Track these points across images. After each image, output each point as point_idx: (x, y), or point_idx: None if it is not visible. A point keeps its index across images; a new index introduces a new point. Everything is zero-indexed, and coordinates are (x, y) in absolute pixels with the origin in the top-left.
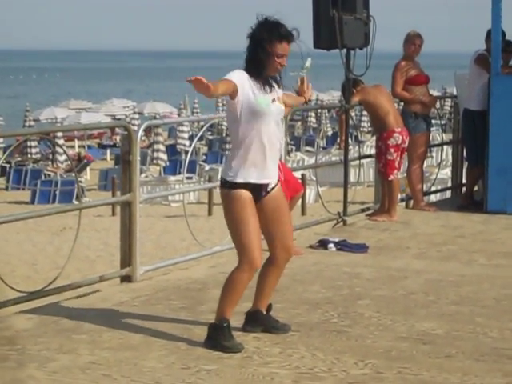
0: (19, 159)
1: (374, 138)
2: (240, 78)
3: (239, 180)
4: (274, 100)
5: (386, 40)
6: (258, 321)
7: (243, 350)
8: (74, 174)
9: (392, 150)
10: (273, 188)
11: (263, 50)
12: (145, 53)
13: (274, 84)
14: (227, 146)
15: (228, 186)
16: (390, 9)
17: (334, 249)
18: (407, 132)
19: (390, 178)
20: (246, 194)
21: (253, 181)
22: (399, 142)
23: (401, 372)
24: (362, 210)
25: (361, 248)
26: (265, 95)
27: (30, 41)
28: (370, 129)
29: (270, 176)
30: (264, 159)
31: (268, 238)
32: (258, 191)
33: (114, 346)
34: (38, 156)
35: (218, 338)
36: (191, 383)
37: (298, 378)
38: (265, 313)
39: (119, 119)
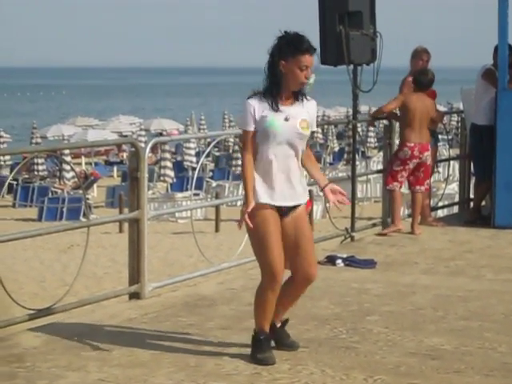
0: (26, 176)
1: (381, 153)
2: (249, 118)
3: (261, 200)
4: (286, 119)
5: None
6: (277, 333)
7: (252, 367)
8: (81, 191)
9: (399, 161)
10: (291, 210)
11: (285, 64)
12: (150, 70)
13: (299, 102)
14: (234, 163)
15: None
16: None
17: (342, 264)
18: (424, 148)
19: (388, 187)
20: (266, 210)
21: (265, 201)
22: (407, 156)
23: None
24: (373, 225)
25: (369, 264)
26: (278, 116)
27: (36, 58)
28: (376, 144)
29: (283, 199)
30: (273, 181)
31: (289, 261)
32: (277, 211)
33: (123, 363)
34: (45, 173)
35: (254, 349)
36: None
37: None
38: (279, 325)
39: (126, 136)
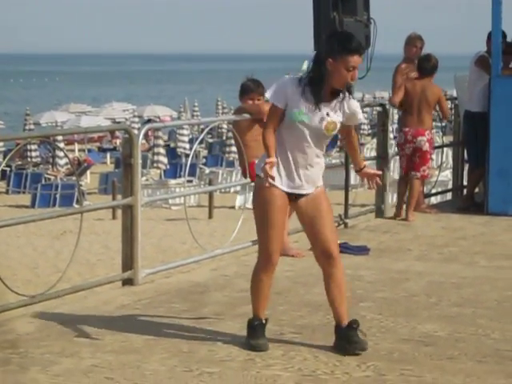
0: (19, 163)
1: (375, 140)
2: (281, 94)
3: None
4: (322, 119)
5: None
6: (337, 334)
7: (245, 353)
8: (74, 178)
9: (398, 147)
10: (305, 194)
11: (333, 62)
12: (144, 56)
13: (336, 101)
14: (227, 149)
15: (259, 179)
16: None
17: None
18: (418, 132)
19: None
20: (275, 191)
21: (278, 185)
22: (402, 141)
23: (403, 374)
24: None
25: (362, 250)
26: (310, 110)
27: (29, 45)
28: (370, 131)
29: (294, 187)
30: (291, 170)
31: (312, 244)
32: (288, 195)
33: (116, 349)
34: (39, 160)
35: (248, 335)
36: None
37: (300, 381)
38: (344, 326)
39: (119, 122)
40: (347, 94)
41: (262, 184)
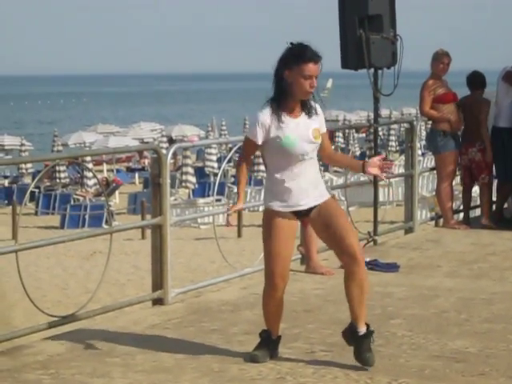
0: (48, 184)
1: (403, 157)
2: (258, 131)
3: (273, 207)
4: (306, 130)
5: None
6: (352, 337)
7: (276, 371)
8: (103, 198)
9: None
10: (313, 208)
11: (290, 74)
12: (167, 76)
13: (308, 111)
14: (255, 168)
15: (266, 209)
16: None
17: (365, 268)
18: (470, 145)
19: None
20: (279, 217)
21: (278, 209)
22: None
23: None
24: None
25: (392, 267)
26: (293, 133)
27: (55, 66)
28: (397, 148)
29: (298, 204)
30: (287, 188)
31: (332, 248)
32: (295, 212)
33: (147, 369)
34: (67, 180)
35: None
36: None
37: None
38: (361, 334)
39: (147, 142)
40: (311, 107)
41: (267, 210)
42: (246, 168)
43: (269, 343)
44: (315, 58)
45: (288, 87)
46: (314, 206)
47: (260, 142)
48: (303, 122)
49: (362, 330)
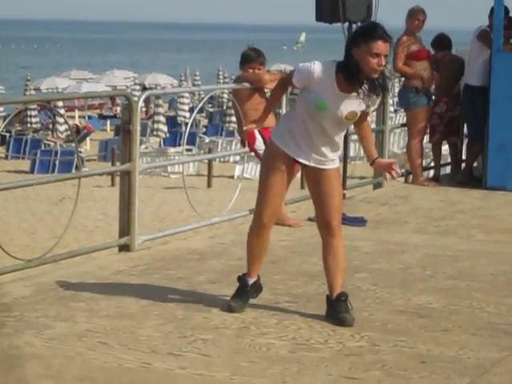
0: (19, 128)
1: (374, 113)
2: (304, 76)
3: (278, 144)
4: (343, 109)
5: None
6: (328, 304)
7: (240, 320)
8: (73, 144)
9: (436, 116)
10: (313, 169)
11: (357, 51)
12: (146, 24)
13: (362, 92)
14: (227, 119)
15: (271, 141)
16: None
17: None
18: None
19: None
20: (283, 156)
21: (288, 152)
22: (443, 110)
23: (397, 345)
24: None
25: (359, 221)
26: (330, 100)
27: (29, 11)
28: None
29: (302, 156)
30: (301, 140)
31: (315, 210)
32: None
33: (111, 315)
34: (38, 126)
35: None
36: (188, 352)
37: (294, 349)
38: (334, 298)
39: (120, 90)
40: (378, 86)
41: (271, 148)
42: (279, 94)
43: (246, 291)
44: (384, 36)
45: (355, 64)
46: (315, 167)
47: (296, 83)
48: (348, 99)
49: (335, 294)
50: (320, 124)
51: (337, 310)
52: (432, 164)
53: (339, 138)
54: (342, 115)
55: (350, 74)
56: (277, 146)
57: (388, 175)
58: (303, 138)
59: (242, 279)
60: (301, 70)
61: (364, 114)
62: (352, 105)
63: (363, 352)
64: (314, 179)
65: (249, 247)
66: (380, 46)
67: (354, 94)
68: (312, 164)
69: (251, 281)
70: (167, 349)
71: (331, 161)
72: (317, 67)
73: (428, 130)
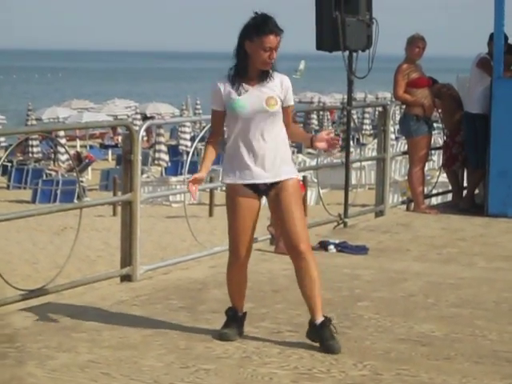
0: (21, 158)
1: (376, 141)
2: (215, 98)
3: (226, 181)
4: (259, 97)
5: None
6: (312, 332)
7: (242, 350)
8: (75, 174)
9: (457, 145)
10: (274, 186)
11: (250, 44)
12: (146, 53)
13: (266, 81)
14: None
15: (224, 182)
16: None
17: (335, 250)
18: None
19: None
20: (237, 190)
21: (232, 182)
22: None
23: (399, 374)
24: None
25: (361, 250)
26: (245, 97)
27: (31, 40)
28: (371, 132)
29: (255, 177)
30: (243, 160)
31: (281, 235)
32: (254, 188)
33: (113, 345)
34: (40, 155)
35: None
36: (190, 382)
37: (296, 379)
38: (318, 323)
39: (121, 119)
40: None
41: (226, 188)
42: (214, 139)
43: (236, 320)
44: (276, 30)
45: (247, 57)
46: (273, 184)
47: (219, 107)
48: (258, 89)
49: (319, 320)
50: (249, 127)
51: (322, 337)
52: (434, 191)
53: (281, 140)
54: (262, 102)
55: (243, 66)
56: (228, 184)
57: (331, 148)
58: (245, 156)
59: (230, 310)
60: (211, 96)
61: (286, 111)
62: (266, 91)
63: (366, 381)
64: (274, 198)
65: (229, 284)
66: (272, 40)
67: (260, 83)
68: (265, 180)
69: (240, 313)
70: (169, 379)
71: (284, 172)
72: (218, 83)
73: (444, 159)
